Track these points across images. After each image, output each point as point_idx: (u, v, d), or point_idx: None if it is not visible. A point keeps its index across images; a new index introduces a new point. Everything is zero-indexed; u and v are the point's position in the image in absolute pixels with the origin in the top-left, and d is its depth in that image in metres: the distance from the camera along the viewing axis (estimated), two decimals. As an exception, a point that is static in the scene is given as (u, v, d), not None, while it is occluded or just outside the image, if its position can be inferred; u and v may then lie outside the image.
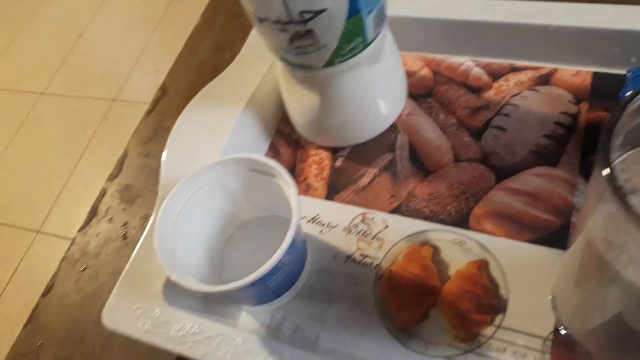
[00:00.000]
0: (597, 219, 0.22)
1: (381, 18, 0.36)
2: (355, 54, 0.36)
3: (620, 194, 0.19)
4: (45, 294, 0.42)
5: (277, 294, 0.36)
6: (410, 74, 0.45)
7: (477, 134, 0.41)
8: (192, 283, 0.32)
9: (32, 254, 1.51)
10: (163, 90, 0.52)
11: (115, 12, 2.05)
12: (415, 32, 0.45)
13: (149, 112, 0.51)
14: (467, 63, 0.45)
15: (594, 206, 0.22)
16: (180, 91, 0.51)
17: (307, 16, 0.32)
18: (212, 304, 0.38)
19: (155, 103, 0.51)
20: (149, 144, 0.49)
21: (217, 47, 0.53)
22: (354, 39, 0.34)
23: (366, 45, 0.36)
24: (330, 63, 0.36)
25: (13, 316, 1.36)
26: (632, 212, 0.18)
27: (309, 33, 0.33)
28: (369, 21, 0.34)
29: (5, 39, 2.10)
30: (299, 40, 0.34)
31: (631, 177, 0.24)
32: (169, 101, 0.51)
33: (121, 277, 0.38)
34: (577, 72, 0.42)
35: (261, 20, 0.34)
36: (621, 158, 0.25)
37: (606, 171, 0.20)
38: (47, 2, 2.20)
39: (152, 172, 0.47)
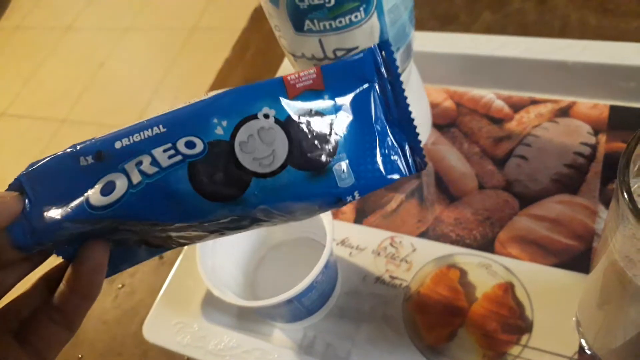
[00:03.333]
0: (618, 239, 0.24)
1: (408, 54, 0.38)
2: (386, 87, 0.38)
3: (638, 215, 0.20)
4: (84, 310, 0.44)
5: (309, 312, 0.37)
6: (434, 105, 0.48)
7: (500, 162, 0.43)
8: (233, 298, 0.34)
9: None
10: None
11: (136, 43, 2.11)
12: (438, 66, 0.48)
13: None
14: (489, 96, 0.47)
15: (615, 228, 0.24)
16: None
17: (339, 53, 0.34)
18: (246, 321, 0.39)
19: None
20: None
21: (247, 80, 0.56)
22: (384, 72, 0.37)
23: (396, 77, 0.38)
24: (362, 94, 0.38)
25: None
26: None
27: (344, 67, 0.35)
28: (397, 57, 0.37)
29: (29, 67, 2.16)
30: (334, 73, 0.36)
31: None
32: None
33: (160, 293, 0.40)
34: (594, 105, 0.44)
35: (296, 57, 0.36)
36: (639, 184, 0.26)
37: (625, 194, 0.22)
38: (70, 32, 2.27)
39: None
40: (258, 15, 0.62)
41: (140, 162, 0.20)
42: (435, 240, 0.40)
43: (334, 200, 0.22)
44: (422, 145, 0.44)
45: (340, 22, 0.32)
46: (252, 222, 0.22)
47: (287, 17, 0.33)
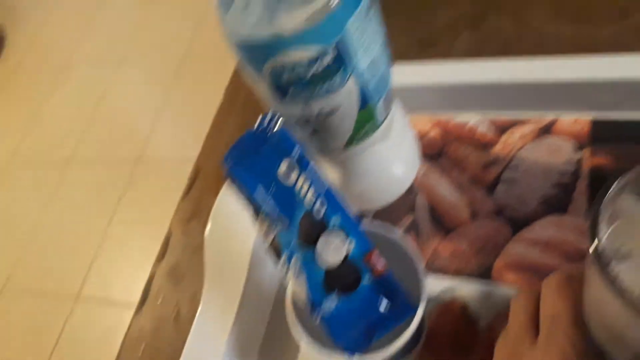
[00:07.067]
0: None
1: (389, 101, 0.40)
2: (370, 135, 0.40)
3: (609, 277, 0.22)
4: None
5: None
6: (421, 135, 0.49)
7: (489, 188, 0.44)
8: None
9: (73, 320, 1.55)
10: (197, 170, 0.56)
11: (132, 73, 2.13)
12: (422, 96, 0.49)
13: (186, 192, 0.55)
14: (473, 120, 0.48)
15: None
16: (214, 169, 0.56)
17: (324, 114, 0.36)
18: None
19: (192, 183, 0.55)
20: (190, 222, 0.53)
21: (243, 124, 0.58)
22: (367, 124, 0.38)
23: (378, 126, 0.40)
24: (347, 146, 0.40)
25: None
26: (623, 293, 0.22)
27: (327, 127, 0.37)
28: (379, 107, 0.38)
29: (30, 109, 2.19)
30: (317, 133, 0.38)
31: (625, 241, 0.27)
32: (203, 180, 0.56)
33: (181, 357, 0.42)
34: (576, 121, 0.45)
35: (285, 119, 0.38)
36: (615, 224, 0.28)
37: (593, 247, 0.23)
38: (67, 70, 2.29)
39: (196, 250, 0.51)
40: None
41: (307, 191, 0.32)
42: (435, 274, 0.42)
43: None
44: (413, 177, 0.46)
45: (321, 87, 0.34)
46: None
47: (270, 89, 0.35)
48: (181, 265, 0.51)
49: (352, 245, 0.32)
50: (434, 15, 0.57)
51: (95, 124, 2.04)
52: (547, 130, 0.46)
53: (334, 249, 0.32)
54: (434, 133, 0.49)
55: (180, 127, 1.87)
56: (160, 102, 1.97)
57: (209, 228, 0.47)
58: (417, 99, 0.49)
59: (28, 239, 1.79)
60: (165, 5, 2.23)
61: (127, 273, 1.58)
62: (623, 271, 0.26)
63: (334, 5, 0.31)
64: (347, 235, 0.32)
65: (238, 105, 0.60)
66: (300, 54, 0.31)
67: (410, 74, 0.49)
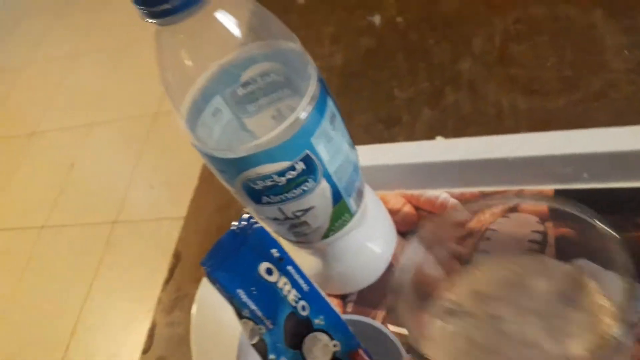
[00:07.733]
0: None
1: (360, 193, 0.41)
2: (345, 225, 0.41)
3: None
4: None
5: None
6: (394, 212, 0.51)
7: (466, 261, 0.46)
8: None
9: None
10: (176, 257, 0.57)
11: (102, 136, 2.13)
12: (391, 175, 0.51)
13: (167, 281, 0.56)
14: (443, 195, 0.50)
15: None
16: (193, 255, 0.56)
17: (299, 214, 0.37)
18: None
19: (172, 271, 0.56)
20: (173, 312, 0.53)
21: (220, 207, 0.59)
22: (342, 216, 0.40)
23: (352, 216, 0.41)
24: (325, 237, 0.41)
25: None
26: None
27: (304, 223, 0.39)
28: (351, 201, 0.40)
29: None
30: (295, 228, 0.39)
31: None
32: (183, 267, 0.56)
33: None
34: (540, 192, 0.47)
35: (260, 218, 0.39)
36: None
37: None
38: (34, 138, 2.28)
39: (181, 340, 0.51)
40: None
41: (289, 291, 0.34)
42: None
43: None
44: (391, 256, 0.47)
45: (294, 193, 0.36)
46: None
47: (245, 195, 0.36)
48: (167, 357, 0.51)
49: (338, 347, 0.33)
50: (392, 93, 0.60)
51: (69, 189, 2.02)
52: (513, 209, 0.48)
53: (320, 352, 0.33)
54: (407, 209, 0.51)
55: (156, 186, 1.86)
56: (133, 162, 1.96)
57: (194, 320, 0.47)
58: (386, 177, 0.51)
59: (2, 313, 1.74)
60: (132, 66, 2.25)
61: (109, 342, 1.54)
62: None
63: (302, 119, 0.33)
64: (332, 337, 0.33)
65: (215, 187, 0.61)
66: (272, 168, 0.33)
67: (377, 155, 0.51)
